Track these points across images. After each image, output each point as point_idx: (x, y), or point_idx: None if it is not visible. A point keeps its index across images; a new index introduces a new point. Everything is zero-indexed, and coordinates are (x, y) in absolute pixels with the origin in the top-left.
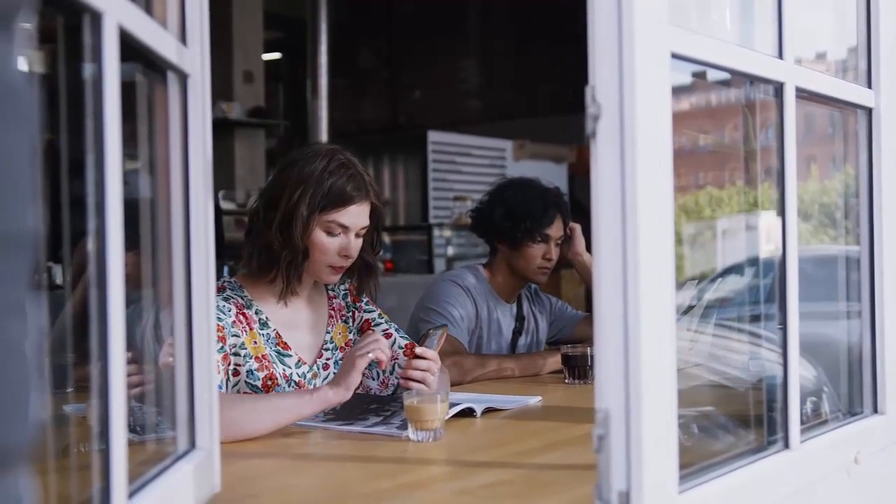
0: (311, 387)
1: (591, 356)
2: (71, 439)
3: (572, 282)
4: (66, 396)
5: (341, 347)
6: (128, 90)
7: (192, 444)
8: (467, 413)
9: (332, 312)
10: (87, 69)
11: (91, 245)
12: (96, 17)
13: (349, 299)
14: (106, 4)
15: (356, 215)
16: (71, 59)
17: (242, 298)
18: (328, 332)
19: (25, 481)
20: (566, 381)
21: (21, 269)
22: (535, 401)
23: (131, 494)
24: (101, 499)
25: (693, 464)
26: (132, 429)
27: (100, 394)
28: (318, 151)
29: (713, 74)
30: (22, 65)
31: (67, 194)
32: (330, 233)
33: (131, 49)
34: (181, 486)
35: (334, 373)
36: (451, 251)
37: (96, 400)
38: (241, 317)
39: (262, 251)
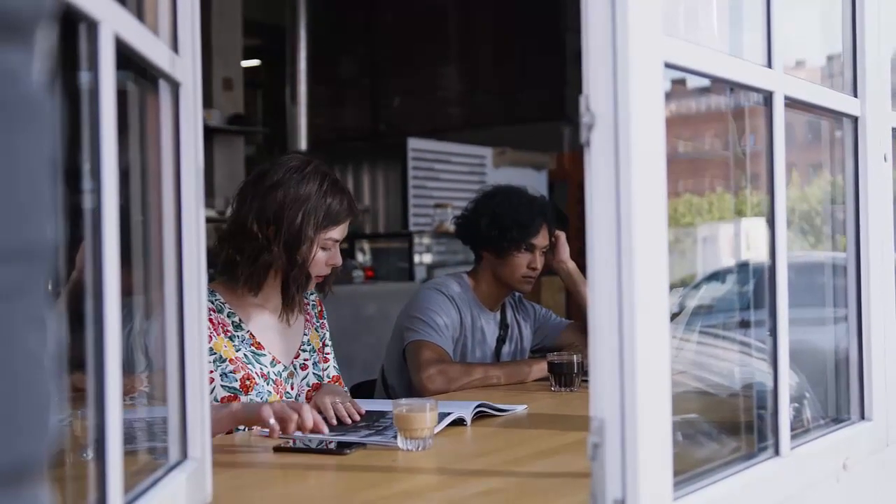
0: (289, 386)
1: (578, 364)
2: (65, 449)
3: (552, 289)
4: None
5: (318, 350)
6: (118, 98)
7: (185, 455)
8: (457, 422)
9: (308, 316)
10: (83, 77)
11: (87, 254)
12: (93, 26)
13: (316, 311)
14: (102, 13)
15: (345, 228)
16: (66, 67)
17: (213, 302)
18: (305, 334)
19: (45, 493)
20: (552, 388)
21: (40, 281)
22: (521, 409)
23: None
24: None
25: (686, 471)
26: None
27: (96, 404)
28: (304, 169)
29: (692, 81)
30: (41, 76)
31: (62, 203)
32: (324, 248)
33: (123, 57)
34: (174, 497)
35: (313, 373)
36: (431, 259)
37: (92, 411)
38: (208, 322)
39: (262, 270)
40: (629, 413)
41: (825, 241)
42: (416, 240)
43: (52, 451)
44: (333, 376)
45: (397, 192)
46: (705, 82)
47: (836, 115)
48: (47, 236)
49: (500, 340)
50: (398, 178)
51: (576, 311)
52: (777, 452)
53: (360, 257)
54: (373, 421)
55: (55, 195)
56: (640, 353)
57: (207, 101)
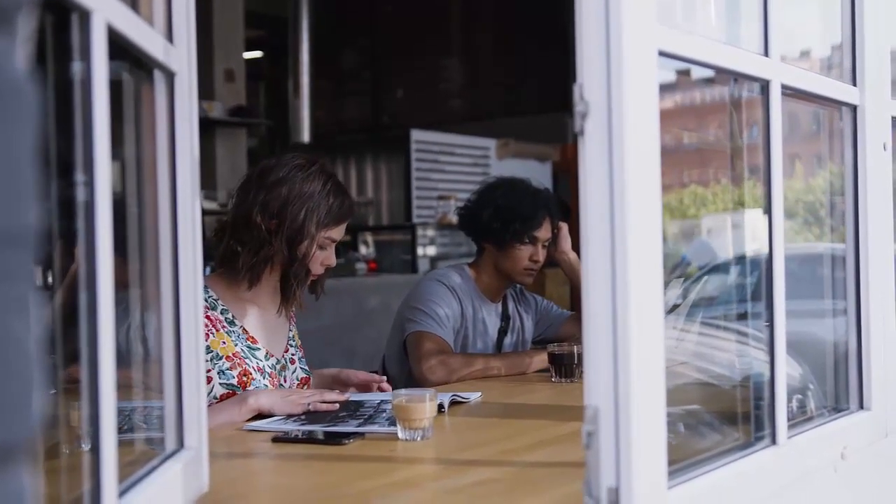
0: (282, 379)
1: (578, 354)
2: (60, 440)
3: (556, 281)
4: (52, 398)
5: (299, 346)
6: (113, 89)
7: (181, 444)
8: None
9: (292, 313)
10: (75, 67)
11: (80, 246)
12: (85, 16)
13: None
14: (94, 2)
15: (343, 230)
16: (58, 57)
17: (206, 300)
18: (291, 330)
19: (28, 476)
20: (552, 379)
21: (24, 266)
22: (476, 396)
23: (121, 494)
24: (92, 498)
25: (682, 460)
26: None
27: (90, 394)
28: (309, 168)
29: (696, 72)
30: (23, 63)
31: (54, 195)
32: (322, 247)
33: (118, 47)
34: (170, 486)
35: (300, 367)
36: (435, 251)
37: (86, 401)
38: (205, 319)
39: (262, 263)
40: (623, 401)
41: (828, 232)
42: (420, 232)
43: (36, 434)
44: (302, 378)
45: (400, 184)
46: (707, 73)
47: (835, 105)
48: (30, 222)
49: (502, 332)
50: (401, 170)
51: (579, 302)
52: (774, 441)
53: (363, 249)
54: (354, 410)
55: (38, 181)
56: (635, 340)
57: (209, 93)
